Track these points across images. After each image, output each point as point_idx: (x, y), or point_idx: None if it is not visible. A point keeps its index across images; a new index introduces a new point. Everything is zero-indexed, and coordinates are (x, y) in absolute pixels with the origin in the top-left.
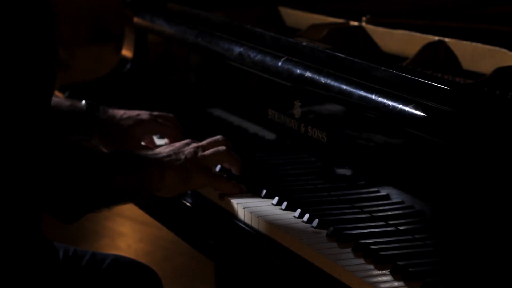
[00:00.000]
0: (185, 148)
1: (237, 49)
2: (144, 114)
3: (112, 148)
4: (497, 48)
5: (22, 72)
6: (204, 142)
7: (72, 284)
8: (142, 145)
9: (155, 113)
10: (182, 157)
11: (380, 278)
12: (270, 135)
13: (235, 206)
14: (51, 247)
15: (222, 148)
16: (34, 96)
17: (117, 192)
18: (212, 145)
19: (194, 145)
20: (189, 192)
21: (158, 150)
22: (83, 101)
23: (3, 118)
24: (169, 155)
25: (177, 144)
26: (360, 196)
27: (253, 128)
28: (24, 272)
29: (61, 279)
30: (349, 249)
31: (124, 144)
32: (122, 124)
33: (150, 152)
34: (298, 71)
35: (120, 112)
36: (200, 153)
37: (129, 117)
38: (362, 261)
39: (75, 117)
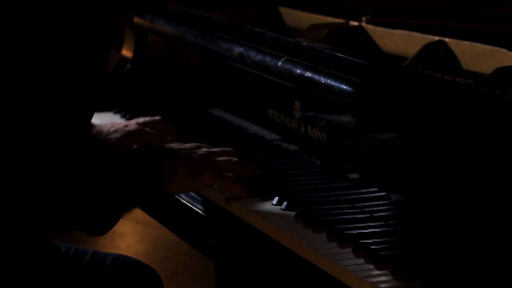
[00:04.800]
0: (197, 150)
1: (237, 49)
2: (131, 125)
3: None
4: (497, 48)
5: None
6: (216, 149)
7: (74, 282)
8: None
9: (142, 120)
10: (194, 156)
11: (380, 278)
12: (270, 135)
13: (235, 205)
14: (52, 246)
15: (234, 158)
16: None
17: (136, 193)
18: (224, 153)
19: (205, 149)
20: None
21: (169, 145)
22: None
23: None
24: (180, 151)
25: (187, 145)
26: (360, 196)
27: (253, 128)
28: (25, 271)
29: (63, 277)
30: (349, 249)
31: None
32: (110, 138)
33: (163, 146)
34: (298, 71)
35: (107, 126)
36: (211, 157)
37: (116, 130)
38: (362, 261)
39: None
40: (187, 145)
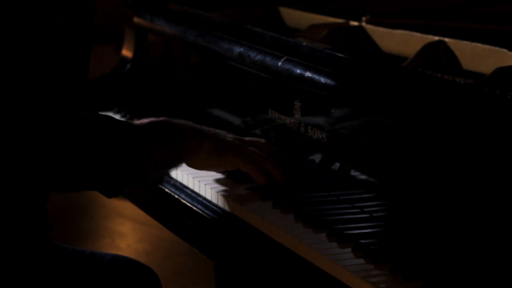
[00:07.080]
0: (224, 133)
1: (237, 49)
2: None
3: None
4: (497, 48)
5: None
6: (247, 138)
7: (71, 282)
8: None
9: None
10: (222, 136)
11: (380, 278)
12: (270, 135)
13: (235, 206)
14: (50, 246)
15: (263, 153)
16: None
17: (156, 163)
18: (254, 142)
19: (233, 135)
20: (188, 191)
21: (195, 124)
22: None
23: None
24: (209, 130)
25: (218, 130)
26: (360, 196)
27: (253, 128)
28: (24, 270)
29: (60, 277)
30: (349, 249)
31: None
32: None
33: (190, 124)
34: (298, 71)
35: None
36: (238, 142)
37: None
38: (362, 261)
39: None
40: (217, 130)
